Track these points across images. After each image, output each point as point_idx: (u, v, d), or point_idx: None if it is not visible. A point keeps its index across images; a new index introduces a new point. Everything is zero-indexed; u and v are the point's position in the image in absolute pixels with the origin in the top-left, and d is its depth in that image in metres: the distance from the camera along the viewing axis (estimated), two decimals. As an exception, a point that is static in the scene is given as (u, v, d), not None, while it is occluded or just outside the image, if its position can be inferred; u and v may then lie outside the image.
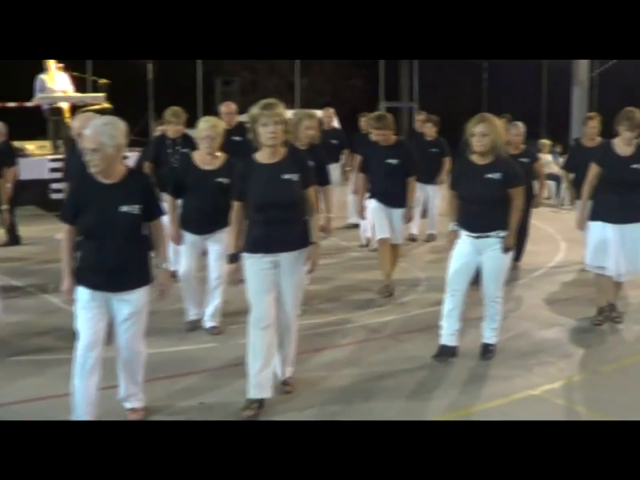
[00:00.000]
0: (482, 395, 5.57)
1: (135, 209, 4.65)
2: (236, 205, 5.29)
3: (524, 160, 8.73)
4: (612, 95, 20.64)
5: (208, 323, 6.91)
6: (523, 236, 9.20)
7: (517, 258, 9.28)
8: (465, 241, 6.16)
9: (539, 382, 5.80)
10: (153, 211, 4.83)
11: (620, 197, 6.76)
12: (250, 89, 23.17)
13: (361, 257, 10.26)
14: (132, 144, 15.12)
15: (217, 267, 6.75)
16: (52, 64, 13.80)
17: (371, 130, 8.26)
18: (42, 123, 14.15)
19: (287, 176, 5.13)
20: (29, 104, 14.05)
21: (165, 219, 5.44)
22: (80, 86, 15.04)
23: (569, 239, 10.80)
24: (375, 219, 8.24)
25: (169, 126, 8.35)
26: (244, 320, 5.34)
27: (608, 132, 6.96)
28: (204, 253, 6.89)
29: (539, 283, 8.96)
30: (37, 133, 14.68)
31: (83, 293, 4.71)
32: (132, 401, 5.07)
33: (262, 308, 5.17)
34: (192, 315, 6.96)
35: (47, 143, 14.30)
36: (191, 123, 7.90)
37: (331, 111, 13.08)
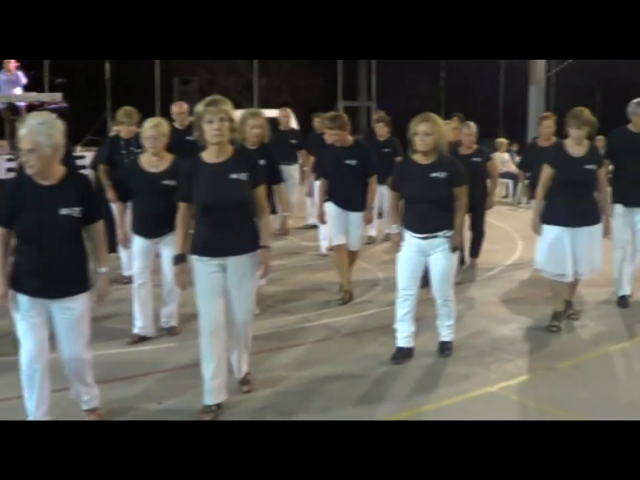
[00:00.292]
0: (440, 392, 5.60)
1: (75, 211, 4.48)
2: (182, 207, 5.12)
3: (476, 159, 8.76)
4: (569, 94, 20.92)
5: (166, 323, 6.89)
6: (480, 234, 9.29)
7: (475, 255, 9.39)
8: (411, 243, 6.08)
9: (496, 379, 5.84)
10: (93, 214, 4.65)
11: (573, 198, 6.71)
12: (208, 88, 23.05)
13: (319, 257, 10.25)
14: (89, 143, 15.08)
15: (171, 269, 6.69)
16: (8, 63, 13.62)
17: (325, 130, 8.07)
18: (-1, 122, 13.96)
19: (234, 175, 4.96)
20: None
21: None
22: (37, 85, 14.88)
23: (526, 237, 10.87)
24: (331, 224, 8.03)
25: (122, 126, 8.22)
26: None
27: (564, 132, 7.02)
28: (157, 256, 6.79)
29: (496, 281, 9.03)
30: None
31: (21, 301, 4.53)
32: (87, 401, 4.98)
33: (211, 312, 5.04)
34: (137, 328, 6.71)
35: (3, 143, 14.09)
36: (148, 123, 7.84)
37: (288, 110, 13.00)
